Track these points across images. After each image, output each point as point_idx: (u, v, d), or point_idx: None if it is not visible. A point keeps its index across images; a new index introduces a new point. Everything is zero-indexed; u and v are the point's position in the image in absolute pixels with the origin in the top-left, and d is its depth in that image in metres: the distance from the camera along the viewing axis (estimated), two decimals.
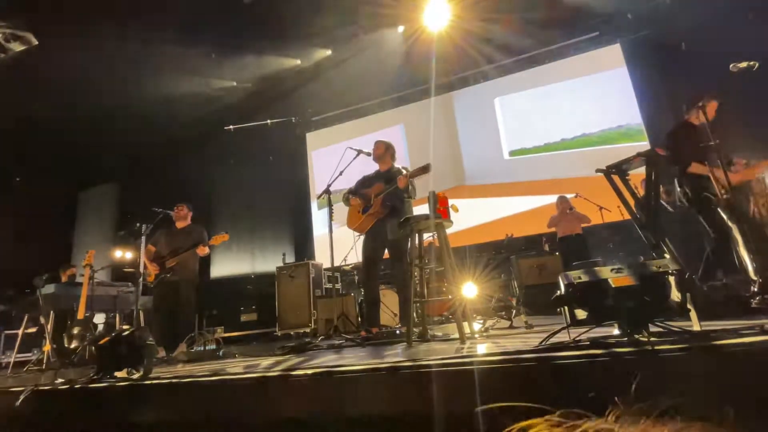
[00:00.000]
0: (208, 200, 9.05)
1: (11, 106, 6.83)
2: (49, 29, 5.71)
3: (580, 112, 7.14)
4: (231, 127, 8.90)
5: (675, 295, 1.52)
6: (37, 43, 5.95)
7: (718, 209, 2.94)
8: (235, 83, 8.33)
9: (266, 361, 2.55)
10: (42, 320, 4.75)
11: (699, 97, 3.18)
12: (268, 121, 8.91)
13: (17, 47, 6.04)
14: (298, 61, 7.96)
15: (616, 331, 1.60)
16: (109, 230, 9.36)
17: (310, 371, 1.62)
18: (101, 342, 2.44)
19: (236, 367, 2.27)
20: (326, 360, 2.22)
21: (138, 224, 4.46)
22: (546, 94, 7.49)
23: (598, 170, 2.71)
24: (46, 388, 2.30)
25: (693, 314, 1.52)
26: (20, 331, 5.05)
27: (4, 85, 6.34)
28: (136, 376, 2.28)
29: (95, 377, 2.32)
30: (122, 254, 6.34)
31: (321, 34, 7.42)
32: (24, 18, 5.45)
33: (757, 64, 2.66)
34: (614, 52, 7.11)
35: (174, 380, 1.99)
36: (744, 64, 2.72)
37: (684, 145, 3.24)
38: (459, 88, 8.24)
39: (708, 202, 3.09)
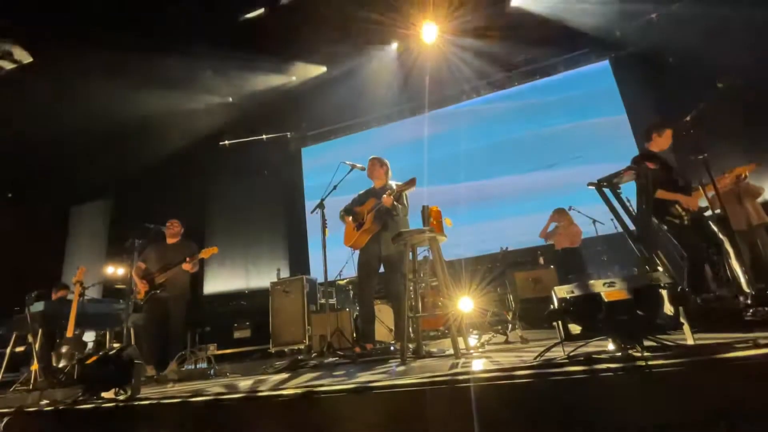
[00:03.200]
0: (202, 215, 9.00)
1: (3, 123, 6.82)
2: (42, 45, 5.75)
3: (572, 127, 7.24)
4: (226, 142, 8.92)
5: (668, 309, 1.52)
6: (31, 59, 5.98)
7: (709, 222, 2.98)
8: (230, 99, 8.38)
9: (256, 381, 2.51)
10: (30, 339, 4.66)
11: (657, 125, 3.47)
12: (264, 136, 8.95)
13: (11, 64, 6.07)
14: (294, 78, 8.04)
15: (610, 346, 1.59)
16: (101, 246, 9.26)
17: (299, 391, 1.59)
18: (88, 361, 2.39)
19: (225, 387, 2.22)
20: (316, 379, 2.18)
21: (129, 240, 4.42)
22: (537, 111, 7.60)
23: (589, 184, 2.73)
24: (30, 409, 2.23)
25: (686, 328, 1.52)
26: (8, 350, 4.94)
27: None
28: (123, 396, 2.22)
29: (81, 398, 2.26)
30: (114, 270, 6.27)
31: (316, 52, 7.52)
32: (17, 34, 5.49)
33: (742, 80, 2.72)
34: (604, 69, 7.25)
35: (162, 401, 1.94)
36: (730, 80, 2.78)
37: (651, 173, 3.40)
38: (452, 104, 8.34)
39: (671, 225, 3.30)
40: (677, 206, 3.26)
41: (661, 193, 3.36)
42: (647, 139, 3.63)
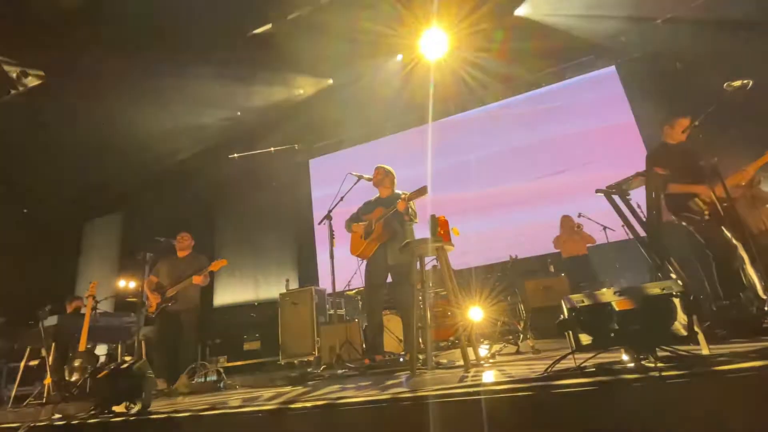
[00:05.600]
0: (211, 228, 9.09)
1: (18, 141, 6.99)
2: (54, 63, 5.91)
3: (579, 134, 7.21)
4: (235, 155, 9.03)
5: (681, 318, 1.49)
6: (45, 79, 6.14)
7: (722, 227, 2.92)
8: (239, 113, 8.51)
9: (266, 393, 2.50)
10: (43, 353, 4.71)
11: (668, 118, 3.31)
12: (272, 148, 9.05)
13: (29, 84, 6.24)
14: (301, 91, 8.16)
15: (623, 356, 1.55)
16: (113, 260, 9.39)
17: (309, 404, 1.58)
18: (100, 375, 2.40)
19: (236, 400, 2.22)
20: (326, 391, 2.17)
21: (141, 254, 4.47)
22: (543, 118, 7.59)
23: (598, 191, 2.71)
24: (43, 424, 2.25)
25: (701, 337, 1.48)
26: (21, 364, 4.99)
27: (11, 120, 6.52)
28: (134, 410, 2.23)
29: (93, 412, 2.28)
30: (125, 284, 6.34)
31: (322, 64, 7.62)
32: (31, 53, 5.65)
33: (750, 83, 2.69)
34: (611, 75, 7.23)
35: (173, 414, 1.94)
36: (738, 83, 2.75)
37: (676, 164, 3.28)
38: (458, 112, 8.36)
39: (690, 221, 3.14)
40: (697, 200, 3.07)
41: (673, 187, 3.18)
42: (662, 134, 3.54)
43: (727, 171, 3.12)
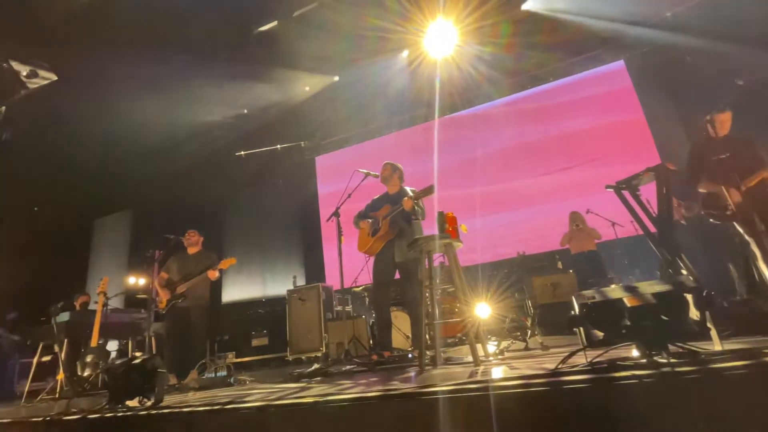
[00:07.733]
0: (219, 225, 9.16)
1: (29, 139, 7.08)
2: (63, 63, 5.96)
3: (588, 129, 7.15)
4: (242, 152, 9.09)
5: (693, 314, 1.48)
6: (56, 78, 6.19)
7: (734, 223, 2.88)
8: (245, 111, 8.54)
9: (275, 389, 2.52)
10: (56, 348, 4.79)
11: (709, 111, 3.21)
12: (278, 146, 9.08)
13: (38, 83, 6.30)
14: (307, 88, 8.17)
15: (635, 353, 1.55)
16: (123, 257, 9.50)
17: (318, 399, 1.60)
18: (113, 370, 2.44)
19: (246, 395, 2.24)
20: (335, 387, 2.18)
21: (150, 251, 4.51)
22: (552, 113, 7.53)
23: (607, 186, 2.68)
24: (57, 418, 2.29)
25: (713, 333, 1.47)
26: (34, 360, 5.08)
27: (22, 119, 6.59)
28: (147, 404, 2.26)
29: (107, 406, 2.31)
30: (135, 281, 6.41)
31: (328, 61, 7.62)
32: (41, 53, 5.70)
33: (741, 82, 2.64)
34: (620, 69, 7.15)
35: (185, 409, 1.97)
36: (741, 82, 2.70)
37: (693, 163, 3.23)
38: (465, 108, 8.33)
39: (716, 219, 3.05)
40: (722, 197, 2.99)
41: (703, 185, 3.11)
42: (705, 130, 3.41)
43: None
